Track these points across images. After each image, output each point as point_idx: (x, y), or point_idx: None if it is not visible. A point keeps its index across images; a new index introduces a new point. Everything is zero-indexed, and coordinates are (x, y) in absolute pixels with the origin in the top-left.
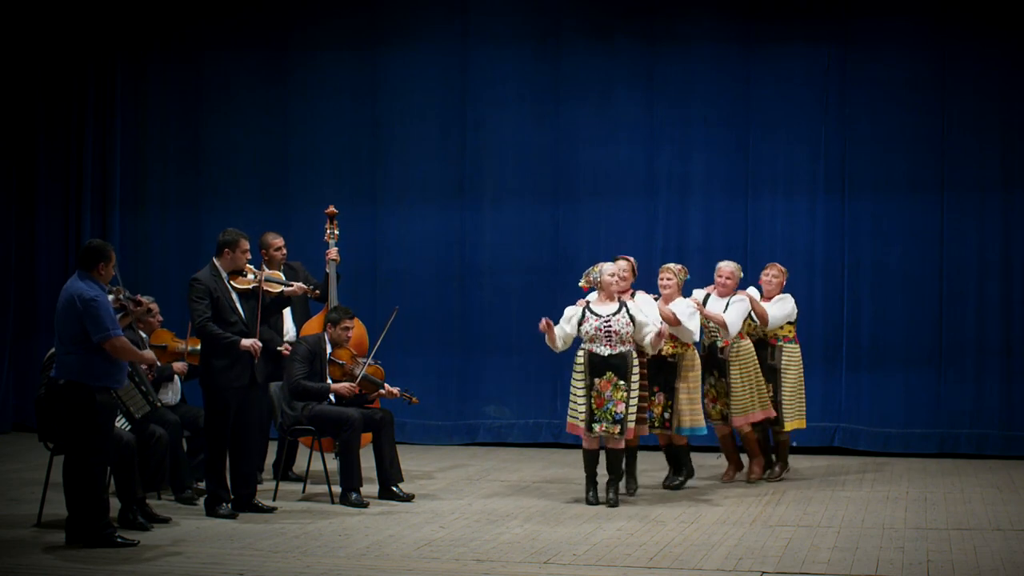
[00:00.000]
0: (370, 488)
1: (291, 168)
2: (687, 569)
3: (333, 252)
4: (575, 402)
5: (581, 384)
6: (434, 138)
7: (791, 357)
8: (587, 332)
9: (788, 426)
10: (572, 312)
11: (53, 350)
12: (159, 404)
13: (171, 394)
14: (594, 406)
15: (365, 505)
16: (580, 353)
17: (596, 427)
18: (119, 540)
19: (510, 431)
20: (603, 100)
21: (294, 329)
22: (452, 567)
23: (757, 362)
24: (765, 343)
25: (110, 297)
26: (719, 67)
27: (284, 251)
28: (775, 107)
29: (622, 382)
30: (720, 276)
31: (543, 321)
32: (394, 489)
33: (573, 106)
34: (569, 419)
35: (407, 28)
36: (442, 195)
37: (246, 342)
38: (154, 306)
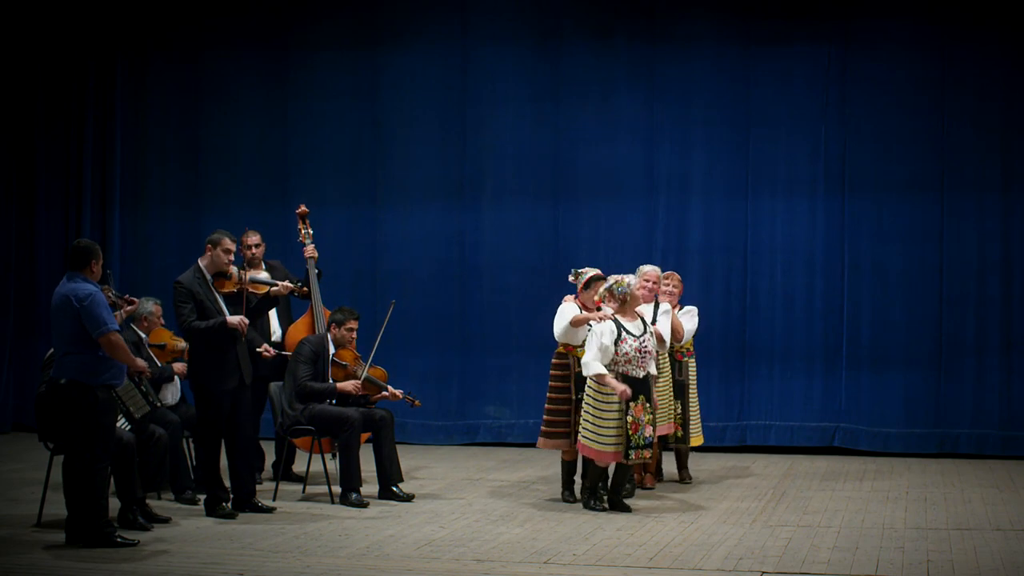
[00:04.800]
0: (370, 488)
1: (291, 168)
2: (687, 569)
3: (310, 249)
4: (599, 426)
5: (615, 408)
6: (434, 138)
7: (692, 373)
8: (625, 354)
9: (694, 441)
10: (605, 330)
11: (53, 350)
12: (159, 404)
13: (171, 394)
14: (630, 432)
15: (365, 505)
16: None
17: (632, 454)
18: (119, 540)
19: (510, 431)
20: (603, 100)
21: (280, 330)
22: (452, 567)
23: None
24: (671, 358)
25: None
26: (719, 67)
27: (253, 250)
28: (775, 107)
29: (648, 404)
30: (648, 281)
31: (621, 392)
32: (394, 489)
33: (573, 106)
34: (584, 440)
35: (407, 28)
36: (442, 195)
37: (233, 319)
38: (156, 308)
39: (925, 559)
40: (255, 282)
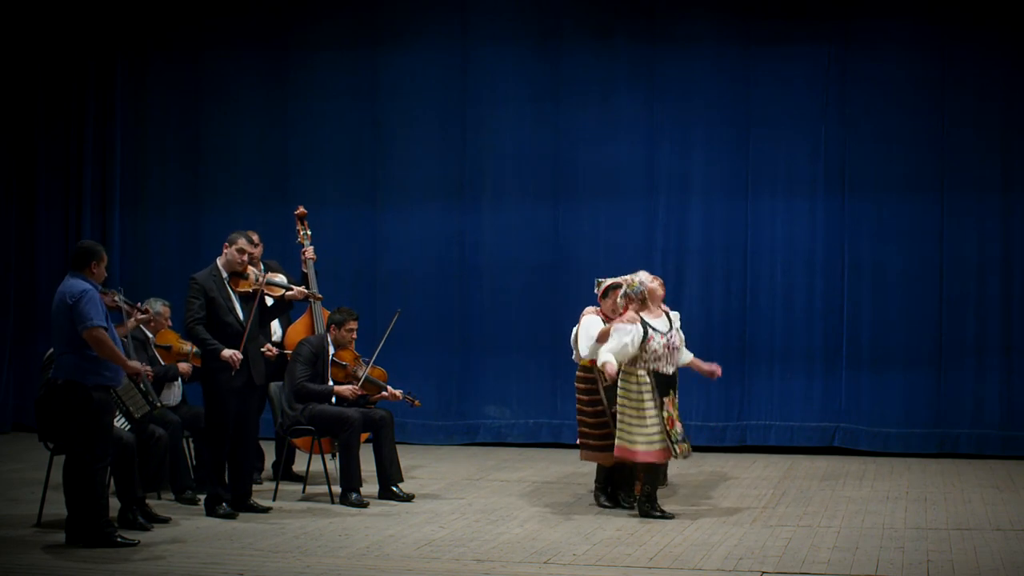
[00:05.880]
0: (370, 488)
1: (291, 168)
2: (687, 569)
3: (310, 251)
4: (641, 424)
5: (651, 406)
6: (434, 138)
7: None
8: (655, 351)
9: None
10: (632, 330)
11: (52, 350)
12: (159, 405)
13: (172, 395)
14: (667, 428)
15: (365, 505)
16: (641, 373)
17: (677, 448)
18: (119, 540)
19: (510, 431)
20: (603, 100)
21: (280, 330)
22: (452, 567)
23: None
24: None
25: (106, 300)
26: (719, 67)
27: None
28: (775, 107)
29: (677, 399)
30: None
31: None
32: (394, 489)
33: (573, 106)
34: (624, 444)
35: (407, 28)
36: (442, 195)
37: (226, 353)
38: (165, 309)
39: (925, 559)
40: (271, 284)
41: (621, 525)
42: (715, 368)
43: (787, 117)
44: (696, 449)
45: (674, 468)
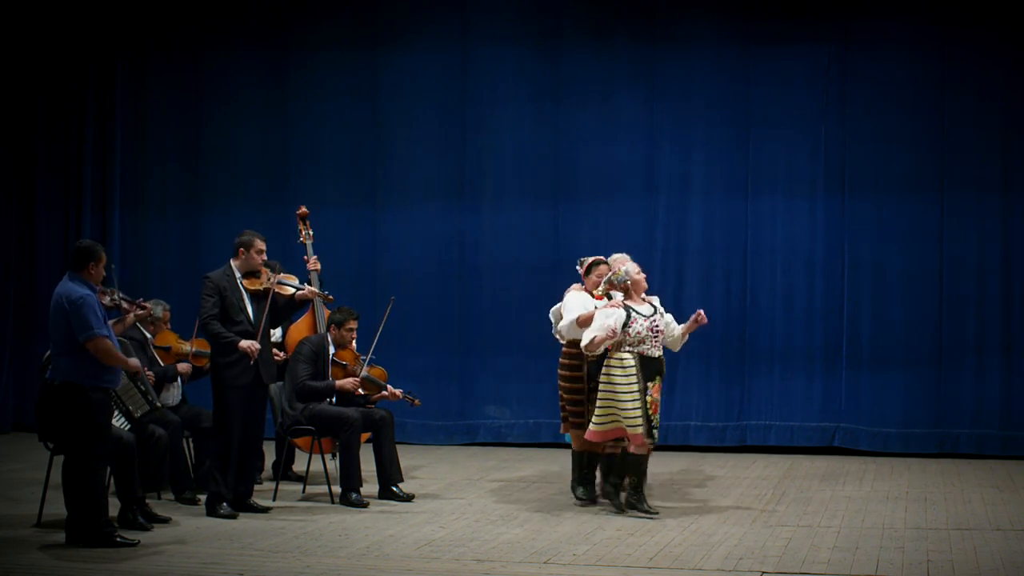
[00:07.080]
0: (370, 488)
1: (291, 168)
2: (687, 569)
3: (313, 261)
4: (624, 407)
5: (635, 389)
6: (434, 138)
7: None
8: (638, 333)
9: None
10: (614, 313)
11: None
12: (159, 405)
13: (172, 395)
14: (650, 412)
15: (365, 505)
16: (626, 356)
17: (656, 434)
18: (119, 540)
19: (510, 431)
20: (603, 100)
21: (280, 330)
22: (452, 567)
23: None
24: None
25: (105, 300)
26: (719, 67)
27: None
28: (775, 107)
29: (663, 385)
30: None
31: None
32: (394, 489)
33: (573, 106)
34: (598, 427)
35: (407, 28)
36: (442, 195)
37: (244, 343)
38: (166, 313)
39: (925, 559)
40: (282, 284)
41: (621, 525)
42: (698, 316)
43: (787, 117)
44: (696, 449)
45: (674, 467)
